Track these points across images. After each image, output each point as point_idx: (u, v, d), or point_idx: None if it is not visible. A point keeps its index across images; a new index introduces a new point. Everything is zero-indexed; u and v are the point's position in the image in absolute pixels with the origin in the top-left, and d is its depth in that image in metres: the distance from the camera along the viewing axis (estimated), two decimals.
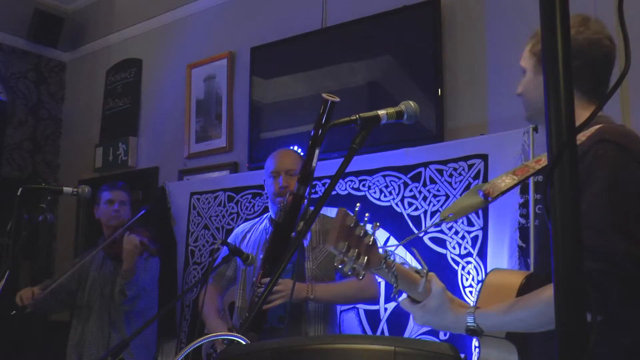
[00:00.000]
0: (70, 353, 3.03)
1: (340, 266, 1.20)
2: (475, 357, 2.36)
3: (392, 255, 1.31)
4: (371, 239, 1.25)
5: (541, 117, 1.53)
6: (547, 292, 1.23)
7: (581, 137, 1.33)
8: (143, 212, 2.92)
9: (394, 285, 1.34)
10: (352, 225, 1.22)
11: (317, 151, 1.52)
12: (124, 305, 2.90)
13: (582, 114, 1.35)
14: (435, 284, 1.41)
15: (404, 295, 1.48)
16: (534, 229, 2.26)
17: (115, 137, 4.51)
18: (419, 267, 1.42)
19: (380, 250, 1.28)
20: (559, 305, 0.71)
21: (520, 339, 1.37)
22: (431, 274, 1.42)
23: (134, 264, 2.81)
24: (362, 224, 1.24)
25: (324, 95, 1.75)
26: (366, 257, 1.23)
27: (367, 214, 1.29)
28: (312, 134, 1.41)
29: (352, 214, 1.22)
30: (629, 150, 1.29)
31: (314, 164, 1.60)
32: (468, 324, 1.35)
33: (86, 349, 2.96)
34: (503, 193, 1.33)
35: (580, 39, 1.41)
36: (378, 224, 1.27)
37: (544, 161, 1.36)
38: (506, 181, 1.35)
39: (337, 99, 1.58)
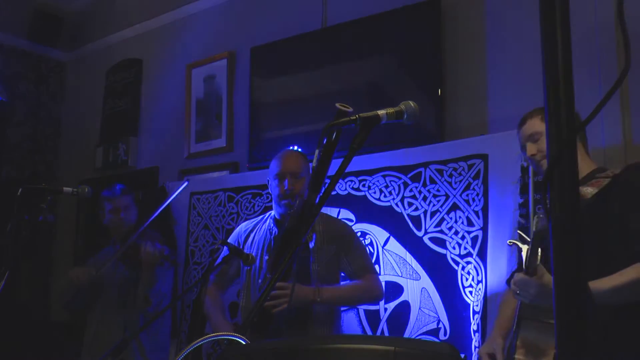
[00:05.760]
0: (85, 354, 3.03)
1: None
2: (475, 357, 2.36)
3: None
4: None
5: None
6: None
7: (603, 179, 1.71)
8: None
9: None
10: None
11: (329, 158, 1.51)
12: (148, 313, 2.90)
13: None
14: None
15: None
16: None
17: (115, 137, 4.50)
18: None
19: None
20: (559, 304, 0.71)
21: None
22: None
23: (155, 272, 2.84)
24: None
25: (337, 105, 1.75)
26: None
27: None
28: (324, 141, 1.40)
29: None
30: None
31: (326, 172, 1.60)
32: None
33: (99, 352, 2.93)
34: None
35: None
36: None
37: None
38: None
39: (350, 109, 1.59)
